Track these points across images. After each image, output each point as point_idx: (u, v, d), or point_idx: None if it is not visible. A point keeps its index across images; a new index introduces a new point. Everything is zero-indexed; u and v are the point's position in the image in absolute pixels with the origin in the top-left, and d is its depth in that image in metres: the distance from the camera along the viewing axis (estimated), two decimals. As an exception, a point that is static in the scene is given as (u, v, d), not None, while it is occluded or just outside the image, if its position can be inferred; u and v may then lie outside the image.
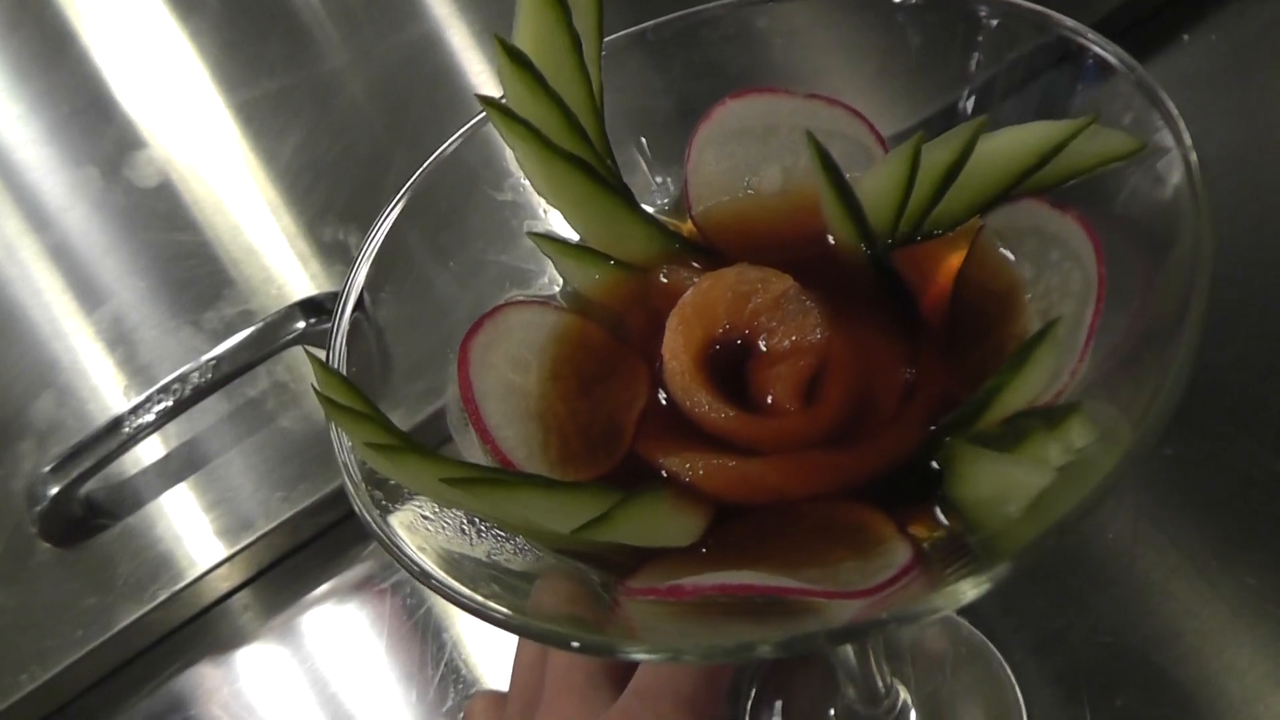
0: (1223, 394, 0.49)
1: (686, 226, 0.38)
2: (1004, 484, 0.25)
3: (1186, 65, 0.59)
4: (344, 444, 0.29)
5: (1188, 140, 0.27)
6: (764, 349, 0.33)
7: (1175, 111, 0.28)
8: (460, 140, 0.37)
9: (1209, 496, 0.46)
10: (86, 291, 0.72)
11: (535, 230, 0.37)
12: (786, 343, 0.33)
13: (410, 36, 0.78)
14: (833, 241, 0.36)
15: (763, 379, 0.32)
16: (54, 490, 0.55)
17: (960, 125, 0.32)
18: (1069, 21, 0.31)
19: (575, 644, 0.24)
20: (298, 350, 0.59)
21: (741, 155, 0.38)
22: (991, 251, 0.34)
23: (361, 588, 0.56)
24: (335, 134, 0.74)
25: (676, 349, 0.33)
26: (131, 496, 0.59)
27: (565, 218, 0.37)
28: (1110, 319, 0.29)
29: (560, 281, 0.38)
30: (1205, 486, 0.47)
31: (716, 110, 0.38)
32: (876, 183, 0.34)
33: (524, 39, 0.35)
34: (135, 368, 0.67)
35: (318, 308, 0.57)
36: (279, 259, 0.69)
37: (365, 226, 0.36)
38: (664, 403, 0.33)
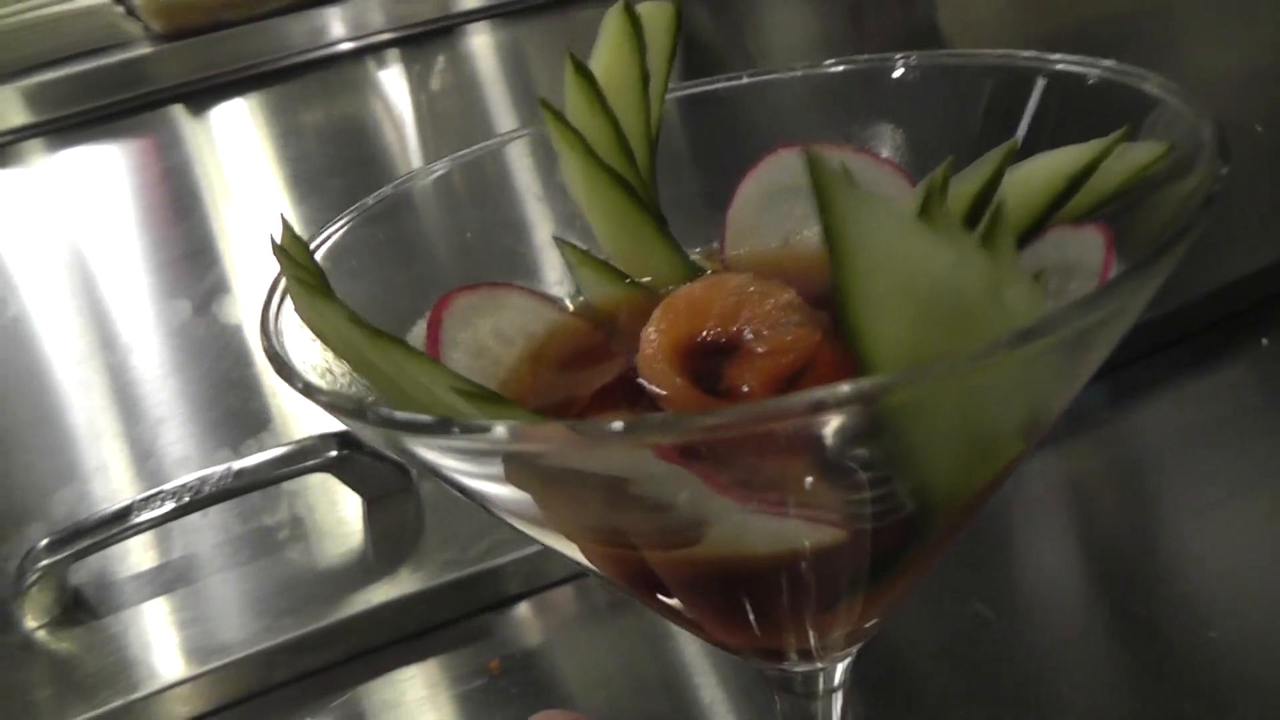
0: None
1: (713, 266, 0.37)
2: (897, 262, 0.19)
3: (1266, 369, 0.55)
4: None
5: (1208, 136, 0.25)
6: (749, 351, 0.31)
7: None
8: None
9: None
10: (137, 404, 0.75)
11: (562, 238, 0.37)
12: (775, 342, 0.30)
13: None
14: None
15: (737, 372, 0.30)
16: (43, 563, 0.54)
17: (989, 152, 0.31)
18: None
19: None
20: (323, 487, 0.59)
21: (785, 211, 0.38)
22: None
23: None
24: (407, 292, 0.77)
25: (653, 331, 0.31)
26: (117, 597, 0.57)
27: (596, 229, 0.36)
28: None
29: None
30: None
31: (766, 159, 0.38)
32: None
33: (597, 64, 0.36)
34: (165, 479, 0.65)
35: (350, 442, 0.56)
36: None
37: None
38: (632, 389, 0.31)
